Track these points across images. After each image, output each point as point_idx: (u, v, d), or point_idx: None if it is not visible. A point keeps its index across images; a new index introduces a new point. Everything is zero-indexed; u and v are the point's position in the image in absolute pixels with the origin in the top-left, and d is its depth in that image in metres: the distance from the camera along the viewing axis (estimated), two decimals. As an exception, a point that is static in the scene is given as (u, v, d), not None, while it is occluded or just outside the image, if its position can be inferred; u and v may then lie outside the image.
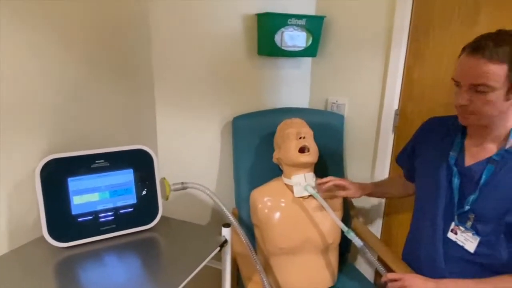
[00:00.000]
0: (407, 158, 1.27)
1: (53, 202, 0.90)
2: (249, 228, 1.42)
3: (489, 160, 0.97)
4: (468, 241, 1.00)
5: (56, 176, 0.90)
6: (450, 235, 1.04)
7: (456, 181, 1.03)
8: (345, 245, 1.43)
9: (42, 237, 0.91)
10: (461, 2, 1.28)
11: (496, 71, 0.86)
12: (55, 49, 0.97)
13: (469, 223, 1.00)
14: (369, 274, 1.60)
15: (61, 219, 0.91)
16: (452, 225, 1.04)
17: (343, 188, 1.27)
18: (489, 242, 0.98)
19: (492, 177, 0.96)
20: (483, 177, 0.97)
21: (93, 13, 1.06)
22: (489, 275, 0.98)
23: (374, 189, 1.34)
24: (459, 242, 1.02)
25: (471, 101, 0.92)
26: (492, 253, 0.98)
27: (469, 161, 1.02)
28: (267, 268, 1.31)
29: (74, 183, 0.92)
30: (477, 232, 0.99)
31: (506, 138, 0.96)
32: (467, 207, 1.00)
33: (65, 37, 0.99)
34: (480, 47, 0.87)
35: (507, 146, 0.95)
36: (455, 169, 1.04)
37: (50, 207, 0.89)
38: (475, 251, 0.99)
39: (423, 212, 1.15)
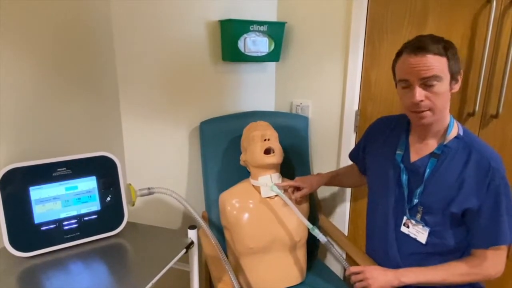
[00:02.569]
0: (359, 155, 1.33)
1: (14, 212, 0.90)
2: (219, 230, 1.44)
3: (431, 154, 1.04)
4: (419, 233, 1.06)
5: (16, 185, 0.90)
6: (403, 228, 1.10)
7: (404, 177, 1.09)
8: (313, 242, 1.47)
9: (4, 248, 0.90)
10: (411, 9, 1.36)
11: (440, 63, 0.94)
12: (14, 55, 0.96)
13: (418, 216, 1.06)
14: (337, 270, 1.65)
15: (23, 229, 0.91)
16: (404, 219, 1.10)
17: (297, 189, 1.33)
18: (437, 232, 1.04)
19: (435, 170, 1.03)
20: (427, 170, 1.04)
21: (53, 17, 1.05)
22: (437, 260, 1.05)
23: (329, 180, 1.41)
24: (411, 235, 1.08)
25: (426, 96, 0.96)
26: (441, 241, 1.04)
27: (414, 157, 1.08)
28: (238, 268, 1.34)
29: (35, 192, 0.92)
30: (426, 224, 1.05)
31: (444, 134, 1.03)
32: (415, 201, 1.06)
33: (25, 42, 0.98)
34: (421, 45, 0.94)
35: (445, 141, 1.03)
36: (402, 165, 1.10)
37: (11, 217, 0.89)
38: (426, 242, 1.06)
39: (375, 208, 1.21)
